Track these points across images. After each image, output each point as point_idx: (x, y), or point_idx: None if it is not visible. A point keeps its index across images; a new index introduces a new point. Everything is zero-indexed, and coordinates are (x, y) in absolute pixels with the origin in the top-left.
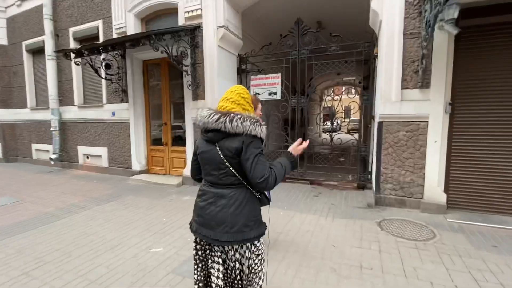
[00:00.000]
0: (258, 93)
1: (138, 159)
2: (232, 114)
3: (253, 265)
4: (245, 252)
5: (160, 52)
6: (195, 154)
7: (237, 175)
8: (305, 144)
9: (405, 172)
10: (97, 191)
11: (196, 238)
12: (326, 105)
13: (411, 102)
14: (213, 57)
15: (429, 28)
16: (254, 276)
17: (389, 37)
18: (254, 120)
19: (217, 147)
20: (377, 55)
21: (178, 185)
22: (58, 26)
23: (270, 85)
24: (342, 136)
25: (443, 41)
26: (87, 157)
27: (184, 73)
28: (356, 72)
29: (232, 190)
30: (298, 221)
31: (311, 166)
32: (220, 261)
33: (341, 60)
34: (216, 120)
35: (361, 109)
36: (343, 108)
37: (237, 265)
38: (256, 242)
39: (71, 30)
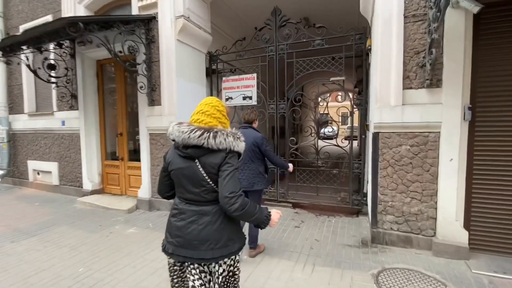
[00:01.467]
0: (231, 98)
1: (90, 176)
2: (215, 130)
3: (235, 275)
4: (227, 265)
5: (130, 54)
6: (165, 170)
7: (218, 190)
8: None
9: (410, 200)
10: (30, 218)
11: (169, 262)
12: (315, 112)
13: (417, 106)
14: (170, 53)
15: (441, 1)
16: (235, 285)
17: (385, 21)
18: (237, 136)
19: (197, 164)
20: (370, 48)
21: (130, 210)
22: (9, 24)
23: (244, 88)
24: (332, 148)
25: (458, 24)
26: (38, 173)
27: (136, 73)
28: (346, 73)
29: (214, 206)
30: (263, 273)
31: (294, 185)
32: (197, 283)
33: (327, 57)
34: (199, 136)
35: (352, 116)
36: (339, 114)
37: (220, 279)
38: (239, 252)
39: (22, 27)
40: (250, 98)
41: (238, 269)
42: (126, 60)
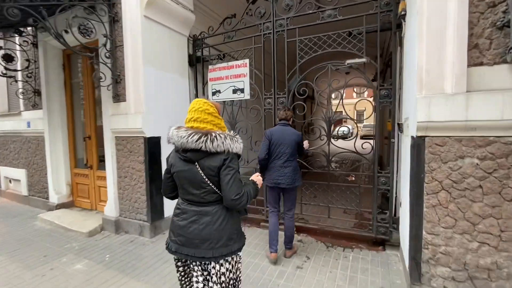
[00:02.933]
0: (219, 91)
1: (56, 187)
2: (213, 134)
3: (235, 276)
4: (228, 264)
5: (82, 36)
6: (168, 172)
7: (218, 192)
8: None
9: (478, 246)
10: None
11: (175, 258)
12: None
13: (492, 94)
14: (136, 34)
15: None
16: (235, 285)
17: None
18: (234, 138)
19: (197, 166)
20: (404, 15)
21: (92, 232)
22: None
23: (234, 78)
24: (345, 155)
25: None
26: (10, 181)
27: (93, 60)
28: (368, 53)
29: (214, 206)
30: None
31: (298, 202)
32: (200, 279)
33: (341, 33)
34: (196, 140)
35: (376, 112)
36: (356, 109)
37: (221, 278)
38: (239, 253)
39: None
40: (242, 91)
41: (239, 269)
42: (86, 47)
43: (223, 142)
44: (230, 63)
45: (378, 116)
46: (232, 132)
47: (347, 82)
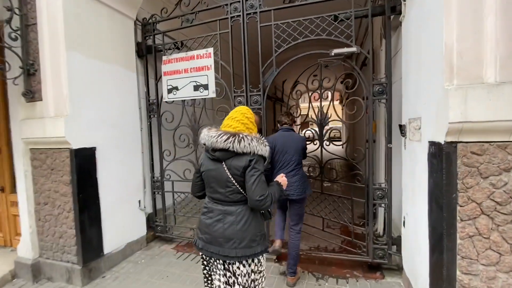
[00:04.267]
0: (176, 88)
1: None
2: (241, 135)
3: (256, 281)
4: (250, 266)
5: None
6: (198, 172)
7: (243, 192)
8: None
9: None
10: None
11: (202, 255)
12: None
13: None
14: (55, 9)
15: None
16: None
17: None
18: (261, 141)
19: (224, 166)
20: None
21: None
22: None
23: (196, 72)
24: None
25: None
26: None
27: None
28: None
29: (238, 206)
30: None
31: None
32: (222, 280)
33: (327, 17)
34: (225, 140)
35: (370, 112)
36: (344, 107)
37: (243, 280)
38: (260, 257)
39: None
40: (205, 87)
41: (261, 272)
42: None
43: (249, 144)
44: (190, 53)
45: (371, 117)
46: (260, 135)
47: (338, 78)
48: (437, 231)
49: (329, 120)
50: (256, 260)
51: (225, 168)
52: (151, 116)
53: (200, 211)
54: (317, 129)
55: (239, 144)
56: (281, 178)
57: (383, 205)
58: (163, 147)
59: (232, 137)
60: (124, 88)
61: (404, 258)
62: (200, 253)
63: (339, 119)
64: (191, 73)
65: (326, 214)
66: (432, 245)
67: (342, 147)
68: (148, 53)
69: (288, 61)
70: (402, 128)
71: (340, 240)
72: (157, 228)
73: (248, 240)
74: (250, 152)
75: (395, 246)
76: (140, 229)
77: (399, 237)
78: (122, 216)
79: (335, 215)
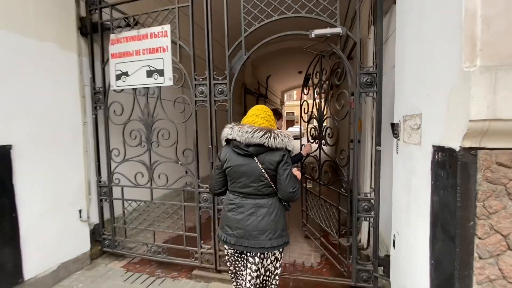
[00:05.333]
0: (125, 74)
1: None
2: (275, 131)
3: (279, 266)
4: (280, 255)
5: None
6: (219, 168)
7: (273, 185)
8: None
9: None
10: None
11: (228, 252)
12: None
13: None
14: None
15: None
16: (276, 277)
17: None
18: (290, 137)
19: (256, 161)
20: None
21: None
22: None
23: (149, 54)
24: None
25: None
26: None
27: None
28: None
29: (269, 199)
30: None
31: None
32: (255, 274)
33: None
34: (261, 136)
35: (356, 107)
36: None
37: (271, 268)
38: (286, 245)
39: None
40: (160, 73)
41: (281, 260)
42: None
43: (282, 140)
44: (143, 31)
45: (358, 113)
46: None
47: (332, 67)
48: (443, 268)
49: (326, 117)
50: (283, 249)
51: (258, 163)
52: (97, 107)
53: (225, 208)
54: (308, 126)
55: (274, 140)
56: (296, 172)
57: (369, 219)
58: (111, 145)
59: (268, 133)
60: (60, 72)
61: (393, 284)
62: (229, 251)
63: (331, 116)
64: (144, 55)
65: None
66: (436, 286)
67: (335, 147)
68: (94, 31)
69: (260, 43)
70: (394, 127)
71: (319, 254)
72: (105, 242)
73: (280, 230)
74: (283, 148)
75: (381, 268)
76: (81, 245)
77: (387, 258)
78: (55, 231)
79: (319, 221)
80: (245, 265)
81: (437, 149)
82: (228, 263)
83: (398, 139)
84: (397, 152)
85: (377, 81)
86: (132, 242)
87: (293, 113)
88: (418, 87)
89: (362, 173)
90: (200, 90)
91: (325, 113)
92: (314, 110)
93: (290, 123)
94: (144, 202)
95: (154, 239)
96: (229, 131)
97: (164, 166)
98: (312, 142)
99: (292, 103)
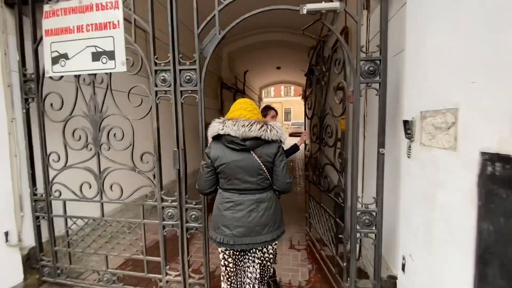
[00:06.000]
0: (65, 56)
1: None
2: (270, 124)
3: (275, 253)
4: (276, 245)
5: None
6: (209, 166)
7: (269, 178)
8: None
9: None
10: None
11: (225, 253)
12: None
13: None
14: None
15: None
16: (273, 264)
17: None
18: (281, 129)
19: (253, 154)
20: None
21: None
22: None
23: (95, 31)
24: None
25: None
26: None
27: None
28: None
29: (267, 192)
30: None
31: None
32: (257, 267)
33: None
34: (259, 129)
35: (355, 102)
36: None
37: (270, 257)
38: (283, 234)
39: None
40: (111, 56)
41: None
42: None
43: (277, 132)
44: (86, 1)
45: (358, 110)
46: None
47: (331, 56)
48: None
49: (326, 113)
50: (278, 240)
51: (255, 157)
52: (29, 99)
53: (220, 207)
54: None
55: (271, 132)
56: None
57: (370, 235)
58: (49, 148)
59: (265, 126)
60: None
61: None
62: (227, 252)
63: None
64: (88, 33)
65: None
66: None
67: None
68: (23, 2)
69: (239, 19)
70: (407, 126)
71: (307, 269)
72: (44, 270)
73: (278, 221)
74: (277, 140)
75: None
76: (10, 276)
77: (392, 280)
78: None
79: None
80: (246, 262)
81: (492, 157)
82: (224, 263)
83: (412, 141)
84: (408, 157)
85: (381, 70)
86: (79, 269)
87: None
88: (453, 74)
89: (366, 180)
90: (162, 77)
91: (325, 108)
92: (317, 105)
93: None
94: (94, 219)
95: (106, 265)
96: (221, 126)
97: (117, 174)
98: (315, 142)
99: (269, 100)
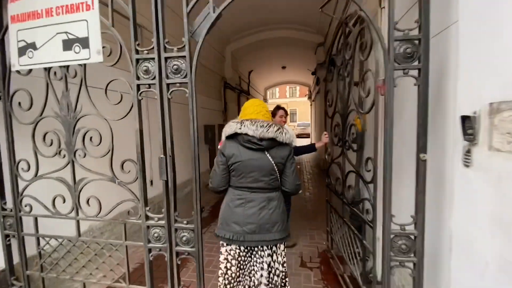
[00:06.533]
0: (33, 45)
1: None
2: (285, 127)
3: (285, 261)
4: (284, 246)
5: None
6: (224, 163)
7: (279, 179)
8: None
9: None
10: None
11: (229, 254)
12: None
13: None
14: None
15: None
16: (285, 273)
17: None
18: (293, 133)
19: (267, 155)
20: None
21: None
22: None
23: (66, 15)
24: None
25: None
26: None
27: None
28: None
29: (277, 192)
30: None
31: None
32: (265, 266)
33: None
34: (276, 131)
35: (388, 96)
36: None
37: (281, 258)
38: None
39: None
40: (85, 43)
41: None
42: None
43: (290, 135)
44: None
45: (391, 105)
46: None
47: (357, 37)
48: None
49: (350, 110)
50: (286, 240)
51: (269, 157)
52: None
53: (231, 204)
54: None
55: (285, 136)
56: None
57: (408, 264)
58: (18, 155)
59: (281, 128)
60: None
61: None
62: (232, 253)
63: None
64: (58, 16)
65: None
66: None
67: (359, 152)
68: None
69: None
70: (467, 123)
71: None
72: None
73: (286, 221)
74: (289, 143)
75: None
76: None
77: None
78: None
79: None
80: (253, 266)
81: None
82: (226, 265)
83: (474, 144)
84: (466, 165)
85: (421, 52)
86: None
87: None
88: None
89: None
90: (145, 68)
91: (348, 104)
92: (338, 101)
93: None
94: (69, 240)
95: None
96: (238, 125)
97: (96, 186)
98: (336, 144)
99: (274, 101)
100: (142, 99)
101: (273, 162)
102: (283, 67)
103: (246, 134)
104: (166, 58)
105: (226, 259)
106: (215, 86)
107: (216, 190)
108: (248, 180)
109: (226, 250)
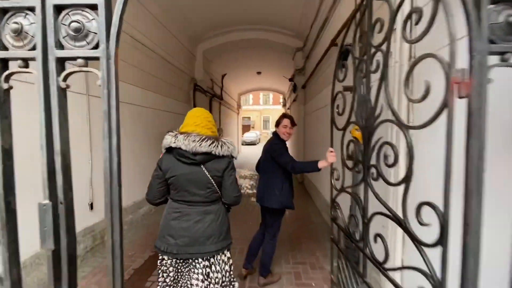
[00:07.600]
0: None
1: None
2: (222, 140)
3: (231, 267)
4: (225, 256)
5: None
6: (161, 177)
7: (218, 191)
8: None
9: None
10: None
11: (163, 265)
12: None
13: None
14: None
15: None
16: (231, 278)
17: None
18: (233, 144)
19: (203, 169)
20: None
21: None
22: None
23: None
24: None
25: None
26: None
27: None
28: None
29: (216, 205)
30: None
31: None
32: (200, 277)
33: None
34: (210, 145)
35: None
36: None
37: (221, 268)
38: (230, 246)
39: None
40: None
41: (231, 259)
42: None
43: (228, 148)
44: None
45: (480, 114)
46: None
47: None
48: None
49: (380, 120)
50: (229, 249)
51: (205, 171)
52: None
53: (168, 217)
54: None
55: (222, 148)
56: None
57: None
58: None
59: (216, 142)
60: None
61: None
62: (169, 261)
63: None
64: None
65: None
66: None
67: (404, 187)
68: None
69: None
70: None
71: None
72: None
73: (225, 233)
74: (228, 155)
75: None
76: None
77: None
78: None
79: None
80: (189, 274)
81: None
82: (163, 275)
83: None
84: None
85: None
86: None
87: (249, 118)
88: None
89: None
90: (15, 27)
91: (378, 113)
92: (355, 106)
93: (246, 128)
94: None
95: None
96: (173, 139)
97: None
98: (351, 169)
99: (248, 108)
100: (11, 87)
101: (209, 175)
102: (258, 73)
103: (180, 148)
104: (58, 7)
105: (162, 270)
106: (183, 88)
107: (152, 203)
108: (184, 194)
109: (161, 262)
